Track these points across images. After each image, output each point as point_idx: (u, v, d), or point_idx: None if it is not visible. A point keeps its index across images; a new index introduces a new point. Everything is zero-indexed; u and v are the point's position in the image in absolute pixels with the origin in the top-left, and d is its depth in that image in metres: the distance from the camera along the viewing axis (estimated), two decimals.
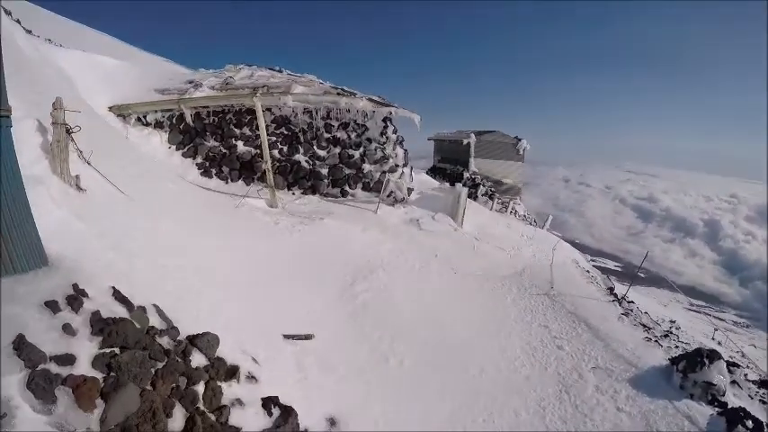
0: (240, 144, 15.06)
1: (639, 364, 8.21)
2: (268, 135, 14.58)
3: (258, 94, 13.95)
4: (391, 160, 15.28)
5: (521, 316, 9.96)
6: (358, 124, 15.16)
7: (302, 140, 15.06)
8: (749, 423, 6.44)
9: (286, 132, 15.10)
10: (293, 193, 14.73)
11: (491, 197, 25.80)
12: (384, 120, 15.23)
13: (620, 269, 73.42)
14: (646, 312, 13.23)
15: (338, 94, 14.86)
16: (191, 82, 16.02)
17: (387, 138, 15.27)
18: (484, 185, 27.10)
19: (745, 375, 9.02)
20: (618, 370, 8.01)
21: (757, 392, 8.23)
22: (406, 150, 15.84)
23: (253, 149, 14.87)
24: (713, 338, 27.73)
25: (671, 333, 11.67)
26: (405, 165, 15.63)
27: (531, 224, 25.43)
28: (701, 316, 45.09)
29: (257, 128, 14.16)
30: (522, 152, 30.87)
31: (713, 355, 7.63)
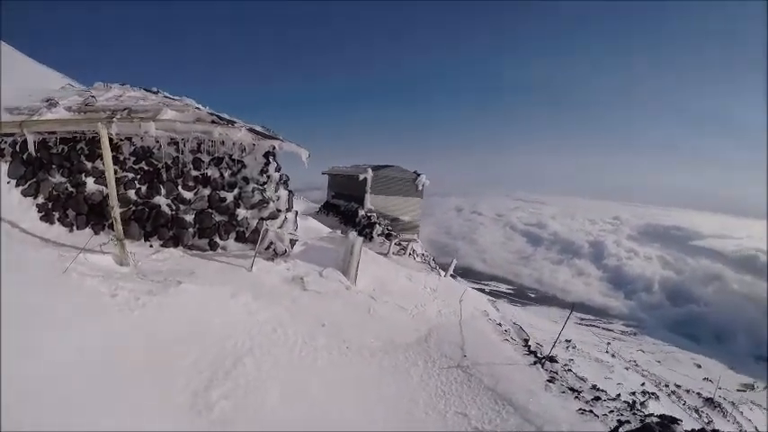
0: (90, 181, 12.24)
1: None
2: (125, 171, 12.03)
3: (115, 120, 11.30)
4: (272, 204, 12.97)
5: (432, 402, 8.09)
6: (234, 160, 12.78)
7: (165, 179, 12.38)
8: None
9: (147, 168, 12.41)
10: (151, 245, 12.00)
11: (388, 237, 24.07)
12: (266, 155, 12.96)
13: (512, 291, 78.03)
14: (569, 370, 11.89)
15: (212, 122, 12.44)
16: (48, 100, 13.09)
17: (268, 177, 12.99)
18: (380, 224, 25.32)
19: None
20: None
21: None
22: (290, 192, 13.62)
23: (105, 188, 11.84)
24: (607, 351, 29.07)
25: (599, 389, 10.74)
26: (288, 209, 13.38)
27: (430, 264, 24.06)
28: (591, 329, 48.12)
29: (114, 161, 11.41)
30: (420, 188, 29.62)
31: (667, 431, 7.13)
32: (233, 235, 12.68)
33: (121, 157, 12.24)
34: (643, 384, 22.14)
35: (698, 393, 25.86)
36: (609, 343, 31.68)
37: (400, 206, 29.29)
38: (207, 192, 12.57)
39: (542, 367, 10.35)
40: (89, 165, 12.26)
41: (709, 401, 24.35)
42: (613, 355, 29.10)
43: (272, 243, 12.57)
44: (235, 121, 12.78)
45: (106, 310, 7.70)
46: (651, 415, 9.04)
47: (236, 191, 12.76)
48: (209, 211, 12.51)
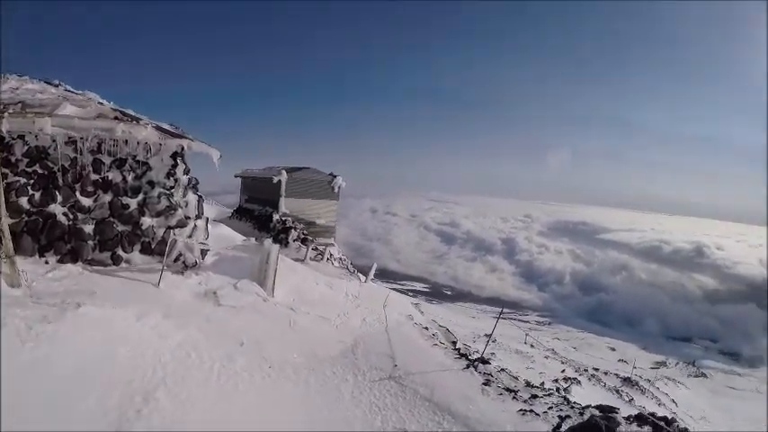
0: None
1: None
2: (16, 174, 10.57)
3: (6, 115, 9.95)
4: (180, 211, 11.98)
5: (368, 420, 7.67)
6: (138, 162, 11.66)
7: (62, 183, 10.96)
8: None
9: (41, 171, 10.89)
10: (46, 262, 10.54)
11: (304, 242, 23.30)
12: (173, 156, 11.96)
13: (428, 290, 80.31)
14: (502, 370, 11.81)
15: (115, 118, 11.25)
16: None
17: (176, 180, 12.02)
18: (296, 229, 24.47)
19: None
20: None
21: None
22: (200, 197, 12.65)
23: None
24: (525, 342, 30.33)
25: (533, 386, 10.63)
26: (198, 216, 12.41)
27: (348, 269, 23.58)
28: (508, 322, 50.16)
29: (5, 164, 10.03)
30: (336, 190, 28.97)
31: (613, 424, 7.03)
32: (138, 247, 11.53)
33: (13, 159, 10.66)
34: (563, 371, 23.00)
35: (615, 374, 27.29)
36: (527, 334, 32.92)
37: (316, 209, 28.48)
38: (108, 198, 11.32)
39: (476, 370, 10.20)
40: None
41: (628, 381, 25.77)
42: (532, 346, 30.32)
43: (180, 254, 11.59)
44: (140, 117, 11.66)
45: None
46: (588, 407, 9.15)
47: (140, 196, 11.63)
48: (111, 220, 11.28)
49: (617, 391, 22.42)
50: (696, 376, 43.36)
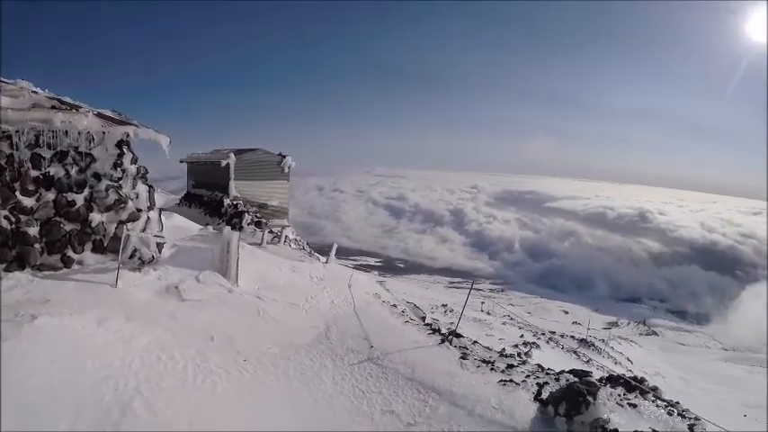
0: None
1: (515, 421, 7.03)
2: None
3: None
4: (131, 204, 11.22)
5: (354, 406, 7.51)
6: (81, 153, 10.75)
7: None
8: None
9: None
10: None
11: (258, 225, 22.65)
12: (119, 145, 11.14)
13: (381, 264, 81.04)
14: (475, 342, 11.86)
15: (53, 107, 10.24)
16: None
17: (123, 171, 11.23)
18: (249, 212, 23.72)
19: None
20: None
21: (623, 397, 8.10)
22: (151, 187, 11.92)
23: None
24: (482, 310, 31.05)
25: (507, 355, 10.75)
26: (150, 207, 11.72)
27: (304, 249, 23.21)
28: (462, 291, 51.23)
29: None
30: (287, 170, 28.17)
31: (593, 388, 6.99)
32: (89, 246, 10.70)
33: None
34: (522, 336, 23.59)
35: (572, 336, 28.28)
36: (483, 302, 33.59)
37: (267, 191, 27.64)
38: (51, 195, 10.36)
39: (451, 345, 10.19)
40: None
41: (584, 342, 26.78)
42: (489, 313, 31.00)
43: (136, 250, 10.89)
44: (80, 105, 10.64)
45: None
46: (563, 371, 9.29)
47: (86, 191, 10.74)
48: (57, 219, 10.35)
49: (575, 353, 23.21)
50: (647, 335, 45.66)
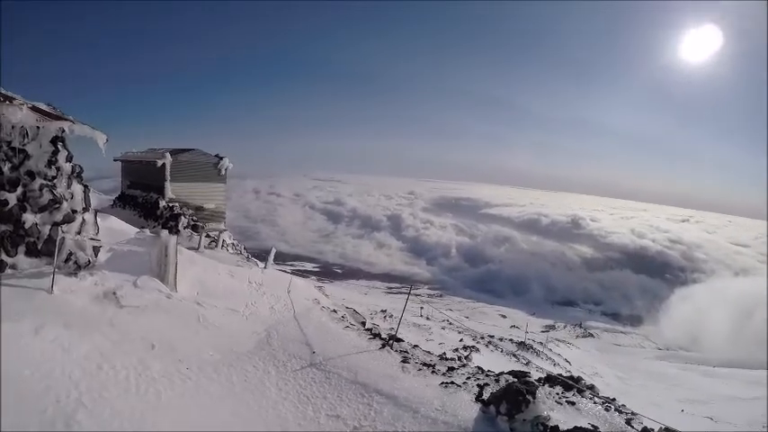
0: None
1: (459, 421, 7.26)
2: None
3: None
4: (65, 204, 10.79)
5: (300, 411, 7.60)
6: (14, 149, 10.20)
7: None
8: None
9: None
10: None
11: (195, 229, 22.20)
12: (54, 141, 10.70)
13: (318, 269, 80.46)
14: (416, 346, 12.16)
15: None
16: None
17: (58, 169, 10.81)
18: (185, 215, 23.19)
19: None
20: None
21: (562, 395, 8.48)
22: (86, 187, 11.52)
23: None
24: (421, 315, 31.49)
25: (447, 359, 11.35)
26: (86, 209, 11.33)
27: (241, 254, 22.94)
28: (400, 297, 51.64)
29: None
30: (224, 172, 27.64)
31: (531, 387, 7.37)
32: (22, 248, 10.14)
33: None
34: (461, 340, 24.12)
35: (510, 340, 29.09)
36: (422, 307, 34.09)
37: (204, 193, 26.98)
38: None
39: (392, 349, 10.42)
40: None
41: (522, 345, 27.61)
42: (428, 318, 31.47)
43: (71, 254, 10.46)
44: (13, 96, 10.03)
45: None
46: (502, 373, 9.73)
47: (19, 190, 10.17)
48: None
49: (514, 356, 23.93)
50: (584, 337, 47.55)
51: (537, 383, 8.13)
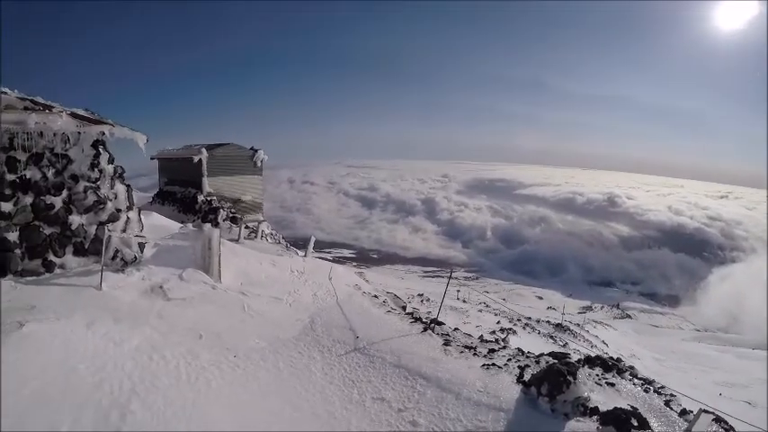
0: None
1: (501, 403, 7.19)
2: None
3: None
4: (110, 204, 11.11)
5: (346, 394, 7.68)
6: (57, 155, 10.53)
7: None
8: (634, 421, 6.37)
9: None
10: None
11: (234, 221, 22.55)
12: (95, 144, 10.99)
13: (354, 255, 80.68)
14: (456, 329, 12.15)
15: (25, 108, 9.98)
16: None
17: (100, 171, 11.10)
18: (223, 208, 23.58)
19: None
20: (488, 422, 6.76)
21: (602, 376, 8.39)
22: (128, 186, 11.80)
23: None
24: (458, 298, 31.42)
25: (487, 341, 11.36)
26: (129, 207, 11.62)
27: (280, 243, 23.20)
28: (436, 280, 51.58)
29: None
30: (259, 164, 27.98)
31: (572, 368, 7.36)
32: (70, 249, 10.52)
33: None
34: (498, 322, 23.96)
35: (547, 321, 28.75)
36: (458, 290, 33.96)
37: (241, 186, 27.43)
38: (29, 199, 10.13)
39: (433, 332, 10.36)
40: None
41: (559, 327, 27.27)
42: (465, 301, 31.37)
43: (117, 251, 10.80)
44: (52, 105, 10.37)
45: None
46: (542, 354, 9.65)
47: (64, 193, 10.54)
48: (37, 223, 10.15)
49: (551, 337, 23.66)
50: (621, 318, 46.56)
51: (577, 364, 8.05)
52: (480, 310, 27.57)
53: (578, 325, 30.51)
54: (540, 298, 49.07)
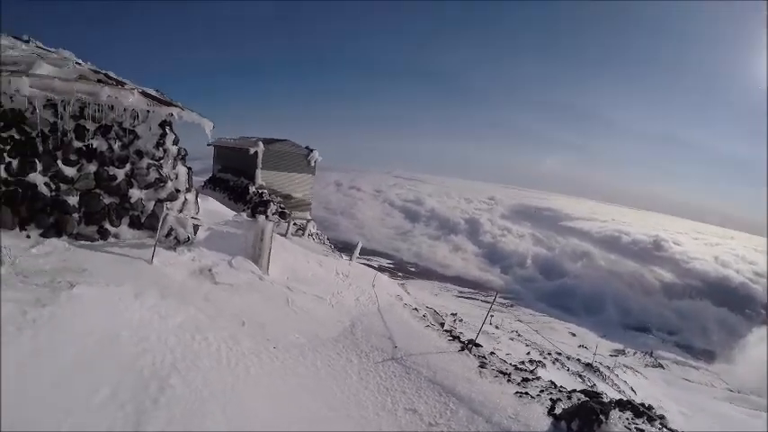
0: None
1: None
2: None
3: None
4: (170, 183, 11.25)
5: (379, 401, 7.55)
6: (125, 129, 10.72)
7: (42, 151, 9.91)
8: None
9: (18, 137, 9.75)
10: (28, 236, 9.48)
11: (282, 216, 22.69)
12: (162, 125, 11.14)
13: (392, 266, 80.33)
14: (492, 353, 11.83)
15: (99, 81, 10.22)
16: None
17: (165, 151, 11.24)
18: (274, 202, 23.79)
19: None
20: None
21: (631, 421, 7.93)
22: (189, 169, 11.94)
23: None
24: (490, 323, 30.62)
25: (521, 369, 10.96)
26: (188, 189, 11.73)
27: (324, 244, 23.22)
28: (470, 301, 50.65)
29: None
30: (313, 164, 28.25)
31: (605, 408, 7.24)
32: (126, 220, 10.69)
33: None
34: (528, 353, 23.24)
35: (578, 359, 27.77)
36: (492, 315, 33.19)
37: (292, 182, 27.73)
38: (93, 168, 10.37)
39: (470, 353, 10.20)
40: None
41: (589, 366, 26.22)
42: (497, 327, 30.63)
43: (172, 229, 10.92)
44: (124, 81, 10.69)
45: None
46: (574, 391, 9.27)
47: (127, 167, 10.73)
48: (97, 191, 10.36)
49: (580, 376, 22.80)
50: (653, 366, 44.63)
51: (610, 405, 7.74)
52: (512, 339, 26.88)
53: (608, 367, 29.33)
54: (573, 335, 47.50)
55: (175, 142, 11.51)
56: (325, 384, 7.73)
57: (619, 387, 24.95)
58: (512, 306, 63.93)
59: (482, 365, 9.48)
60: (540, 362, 21.61)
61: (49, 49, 11.86)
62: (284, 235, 18.25)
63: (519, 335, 28.24)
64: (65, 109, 10.09)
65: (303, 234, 20.46)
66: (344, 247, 24.48)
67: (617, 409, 8.54)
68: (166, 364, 6.35)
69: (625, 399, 9.97)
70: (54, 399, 5.10)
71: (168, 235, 10.83)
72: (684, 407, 28.15)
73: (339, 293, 12.25)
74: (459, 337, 11.67)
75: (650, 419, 8.41)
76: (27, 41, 12.07)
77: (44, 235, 9.71)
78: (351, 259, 17.31)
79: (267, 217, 20.75)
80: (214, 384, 6.35)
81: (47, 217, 9.88)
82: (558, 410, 7.69)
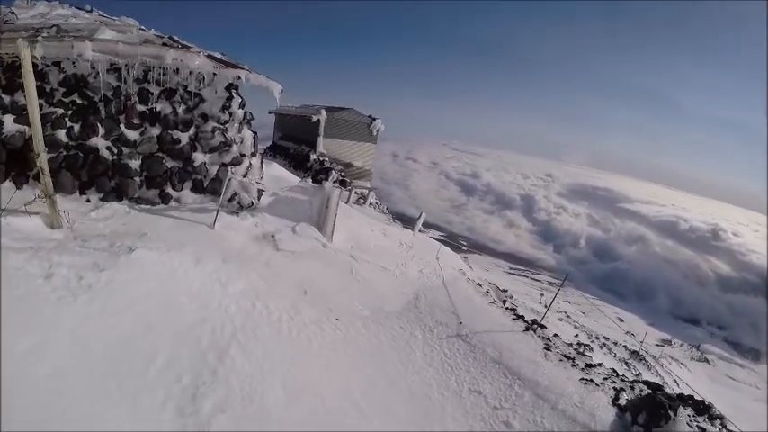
0: (9, 120, 9.28)
1: (596, 424, 6.66)
2: (53, 105, 9.56)
3: (40, 39, 8.74)
4: (235, 148, 10.95)
5: (443, 380, 7.15)
6: (190, 93, 10.47)
7: (104, 115, 9.83)
8: None
9: (80, 102, 9.73)
10: (88, 200, 9.51)
11: (343, 184, 22.42)
12: (228, 88, 10.83)
13: (444, 238, 78.87)
14: (556, 335, 11.19)
15: (163, 44, 10.07)
16: None
17: (230, 114, 10.92)
18: (335, 170, 23.53)
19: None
20: None
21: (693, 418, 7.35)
22: (255, 133, 11.65)
23: (28, 129, 8.84)
24: (540, 302, 29.73)
25: (584, 354, 10.31)
26: (253, 154, 11.45)
27: (384, 213, 22.84)
28: (520, 279, 49.53)
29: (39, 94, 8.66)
30: (375, 133, 27.81)
31: (674, 403, 6.88)
32: (188, 184, 10.51)
33: (48, 88, 9.60)
34: (576, 336, 22.28)
35: (624, 346, 26.56)
36: (542, 294, 32.25)
37: (353, 151, 27.44)
38: (156, 131, 10.22)
39: (535, 333, 9.68)
40: (6, 99, 9.43)
41: (635, 354, 25.00)
42: (546, 306, 29.52)
43: (236, 194, 10.63)
44: (189, 45, 10.45)
45: (40, 304, 5.43)
46: (636, 381, 8.82)
47: (192, 130, 10.51)
48: (160, 155, 10.22)
49: (626, 363, 21.74)
50: (699, 360, 42.48)
51: (678, 401, 7.20)
52: (560, 319, 25.82)
53: (654, 357, 27.88)
54: (621, 320, 45.38)
55: (241, 106, 11.20)
56: (389, 359, 7.37)
57: (662, 378, 23.75)
58: (562, 286, 62.15)
59: (547, 347, 9.00)
60: (587, 345, 20.73)
61: (111, 17, 11.78)
62: (346, 203, 17.97)
63: (568, 316, 27.16)
64: (128, 73, 9.93)
65: (364, 203, 20.12)
66: (398, 218, 24.05)
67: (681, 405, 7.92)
68: (226, 334, 6.11)
69: (687, 394, 9.22)
70: (105, 368, 4.86)
71: (231, 200, 10.58)
72: (725, 406, 26.51)
73: (403, 265, 11.75)
74: (523, 317, 11.07)
75: (711, 418, 7.78)
76: (90, 11, 12.03)
77: (104, 199, 9.68)
78: (414, 230, 16.83)
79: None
80: (274, 355, 6.08)
81: (108, 181, 9.83)
82: (621, 401, 7.28)
